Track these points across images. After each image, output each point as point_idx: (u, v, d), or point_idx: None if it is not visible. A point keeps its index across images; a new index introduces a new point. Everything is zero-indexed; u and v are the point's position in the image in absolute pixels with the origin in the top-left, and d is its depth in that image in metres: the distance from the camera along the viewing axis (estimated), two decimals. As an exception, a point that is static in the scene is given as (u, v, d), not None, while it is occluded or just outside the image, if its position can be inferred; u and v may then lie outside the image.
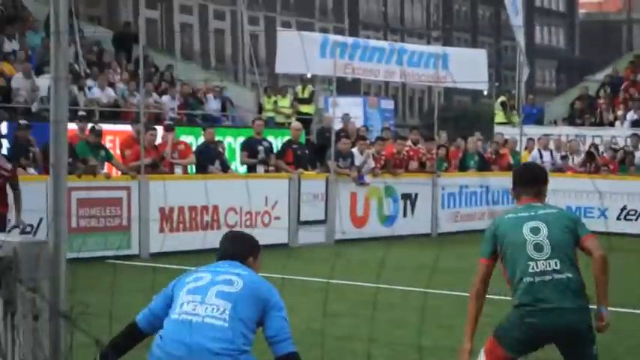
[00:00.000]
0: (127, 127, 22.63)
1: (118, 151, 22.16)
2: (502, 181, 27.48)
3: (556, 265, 7.75)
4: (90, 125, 21.29)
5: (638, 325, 12.96)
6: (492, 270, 7.94)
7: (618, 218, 26.93)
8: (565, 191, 27.35)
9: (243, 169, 24.07)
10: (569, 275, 7.72)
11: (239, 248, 7.10)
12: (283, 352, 6.56)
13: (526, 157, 29.29)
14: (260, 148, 23.35)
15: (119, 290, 14.18)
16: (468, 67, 30.77)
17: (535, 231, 7.87)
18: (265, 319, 6.61)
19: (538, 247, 7.82)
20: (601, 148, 30.47)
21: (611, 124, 33.75)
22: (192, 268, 6.98)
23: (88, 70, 29.11)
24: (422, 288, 13.96)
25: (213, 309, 6.47)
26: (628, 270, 17.31)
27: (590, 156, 29.40)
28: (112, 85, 28.71)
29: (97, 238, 18.62)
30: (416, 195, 25.18)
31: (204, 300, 6.52)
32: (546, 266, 7.77)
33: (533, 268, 7.75)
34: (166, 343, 6.40)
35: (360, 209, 23.98)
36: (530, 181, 8.39)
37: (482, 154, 28.47)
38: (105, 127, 22.67)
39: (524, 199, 8.12)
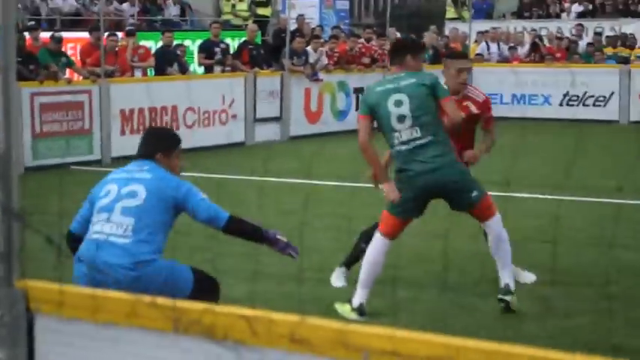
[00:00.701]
0: (87, 35, 22.44)
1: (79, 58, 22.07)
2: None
3: (417, 133, 8.41)
4: (50, 33, 21.22)
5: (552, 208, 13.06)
6: (372, 122, 8.62)
7: (561, 104, 27.16)
8: (513, 80, 27.55)
9: (201, 70, 24.05)
10: (430, 138, 8.38)
11: (149, 146, 6.97)
12: (223, 223, 6.62)
13: (474, 50, 29.44)
14: (217, 49, 23.32)
15: (76, 196, 14.30)
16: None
17: (398, 104, 8.48)
18: (188, 211, 6.64)
19: (401, 119, 8.47)
20: (546, 40, 30.60)
21: (558, 16, 33.85)
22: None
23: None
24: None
25: (117, 227, 6.48)
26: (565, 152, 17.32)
27: (534, 46, 29.55)
28: (73, -7, 28.53)
29: (60, 143, 18.52)
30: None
31: (109, 218, 6.52)
32: (409, 135, 8.43)
33: (398, 139, 8.48)
34: (81, 263, 6.49)
35: (314, 105, 24.06)
36: (396, 50, 9.10)
37: (437, 48, 28.52)
38: (66, 35, 22.55)
39: (393, 69, 8.86)
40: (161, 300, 3.25)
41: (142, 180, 6.67)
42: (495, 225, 8.70)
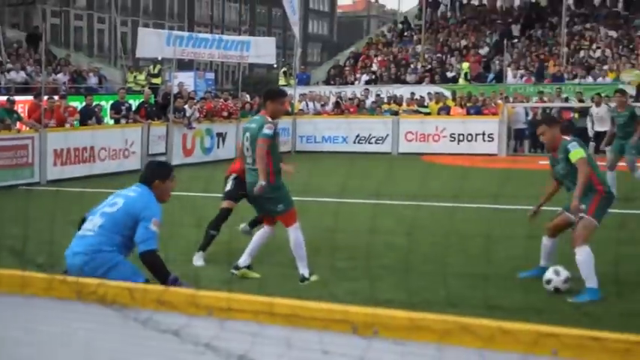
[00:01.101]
0: (32, 98, 21.75)
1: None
2: (283, 121, 27.79)
3: (250, 159, 8.52)
4: (6, 97, 20.62)
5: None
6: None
7: (354, 142, 27.52)
8: (322, 127, 27.87)
9: (112, 122, 23.59)
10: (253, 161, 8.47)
11: (147, 174, 6.43)
12: (142, 250, 5.99)
13: (298, 106, 29.64)
14: (123, 107, 22.96)
15: (22, 202, 14.04)
16: (263, 49, 31.21)
17: (245, 138, 8.60)
18: (135, 229, 6.04)
19: (247, 149, 8.56)
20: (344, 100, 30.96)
21: (352, 83, 34.30)
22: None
23: (8, 60, 28.15)
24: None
25: (91, 225, 6.09)
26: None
27: (337, 104, 29.90)
28: (24, 68, 27.82)
29: (11, 172, 17.93)
30: (226, 133, 25.13)
31: (92, 219, 6.16)
32: (249, 160, 8.54)
33: (247, 163, 8.67)
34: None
35: (189, 144, 23.86)
36: (262, 98, 9.24)
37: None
38: (17, 98, 21.98)
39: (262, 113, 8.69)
40: (69, 278, 3.21)
41: (126, 196, 6.24)
42: (297, 236, 8.66)
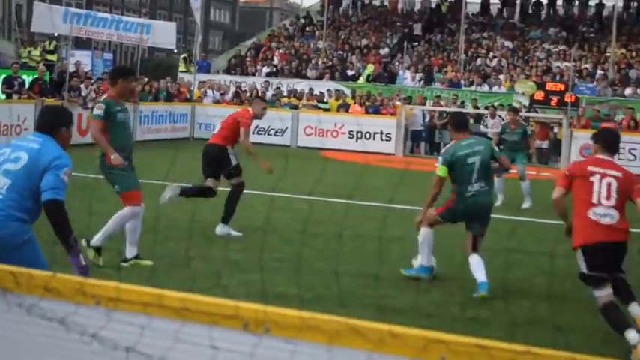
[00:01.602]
0: None
1: None
2: (182, 108, 27.60)
3: None
4: None
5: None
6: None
7: (253, 133, 27.32)
8: (222, 115, 27.58)
9: (4, 96, 22.85)
10: None
11: (47, 122, 5.65)
12: (46, 199, 5.28)
13: (197, 94, 29.40)
14: (15, 82, 22.31)
15: None
16: (162, 33, 31.10)
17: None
18: (43, 177, 5.33)
19: None
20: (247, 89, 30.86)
21: (253, 74, 34.17)
22: None
23: None
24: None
25: None
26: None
27: (237, 94, 29.78)
28: None
29: None
30: (123, 116, 24.62)
31: None
32: None
33: None
34: None
35: (84, 124, 23.31)
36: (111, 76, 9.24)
37: (169, 91, 28.24)
38: None
39: None
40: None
41: (29, 149, 5.43)
42: (124, 212, 8.69)
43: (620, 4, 37.02)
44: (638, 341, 6.29)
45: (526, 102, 27.93)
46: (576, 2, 39.36)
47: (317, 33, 38.29)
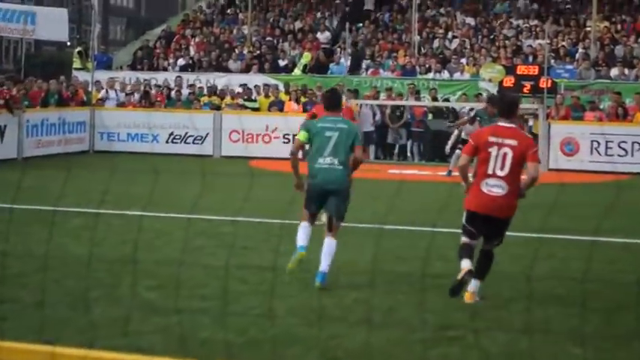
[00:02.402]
0: None
1: None
2: (78, 114, 27.35)
3: None
4: None
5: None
6: None
7: (167, 142, 27.33)
8: (128, 121, 27.56)
9: None
10: None
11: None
12: None
13: (97, 96, 29.17)
14: None
15: None
16: (51, 23, 30.88)
17: None
18: None
19: None
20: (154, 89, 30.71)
21: (165, 69, 34.02)
22: None
23: None
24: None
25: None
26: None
27: (146, 94, 29.63)
28: None
29: None
30: (5, 126, 24.23)
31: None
32: None
33: None
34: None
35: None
36: None
37: (62, 93, 27.95)
38: None
39: None
40: None
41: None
42: None
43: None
44: (466, 266, 9.00)
45: (494, 90, 28.27)
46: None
47: (241, 16, 38.28)
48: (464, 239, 9.33)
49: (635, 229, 14.19)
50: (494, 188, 8.96)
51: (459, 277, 8.99)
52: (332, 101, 10.75)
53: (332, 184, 10.06)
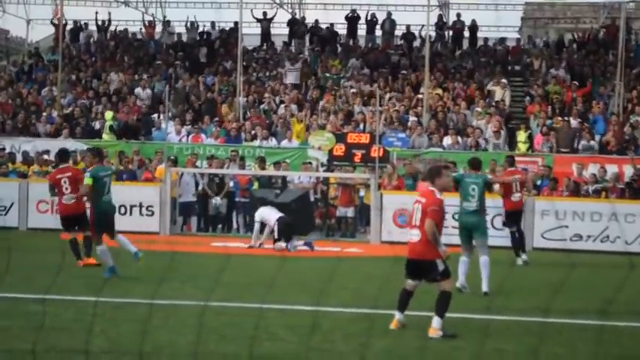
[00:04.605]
0: None
1: None
2: None
3: None
4: None
5: None
6: None
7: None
8: None
9: None
10: None
11: None
12: None
13: None
14: None
15: None
16: None
17: None
18: None
19: None
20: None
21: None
22: None
23: None
24: None
25: None
26: None
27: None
28: None
29: None
30: None
31: None
32: None
33: None
34: None
35: None
36: None
37: None
38: None
39: None
40: None
41: None
42: None
43: (433, 33, 39.13)
44: (397, 319, 11.75)
45: (323, 158, 28.66)
46: (381, 31, 41.16)
47: (50, 76, 37.75)
48: (405, 283, 11.93)
49: (469, 304, 14.58)
50: (412, 237, 11.84)
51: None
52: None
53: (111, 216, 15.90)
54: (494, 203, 20.85)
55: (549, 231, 24.91)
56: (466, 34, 41.02)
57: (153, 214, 26.05)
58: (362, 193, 27.62)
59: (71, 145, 29.90)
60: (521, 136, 30.62)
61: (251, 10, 40.97)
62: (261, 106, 34.25)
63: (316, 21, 41.95)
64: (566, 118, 31.61)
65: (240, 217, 28.01)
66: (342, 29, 42.12)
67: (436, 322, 11.43)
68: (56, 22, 40.48)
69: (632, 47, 37.76)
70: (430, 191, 11.92)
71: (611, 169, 27.75)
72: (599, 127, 30.98)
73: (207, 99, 35.05)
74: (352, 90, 34.91)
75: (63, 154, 19.20)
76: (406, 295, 11.85)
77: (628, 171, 27.81)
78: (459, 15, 41.35)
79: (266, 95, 35.09)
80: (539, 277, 18.06)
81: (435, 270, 11.60)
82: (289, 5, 45.04)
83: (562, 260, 19.45)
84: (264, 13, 41.35)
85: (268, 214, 22.83)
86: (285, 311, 12.80)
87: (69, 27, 41.98)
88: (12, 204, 26.44)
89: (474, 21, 41.07)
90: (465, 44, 40.77)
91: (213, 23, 42.91)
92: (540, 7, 53.74)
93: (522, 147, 30.30)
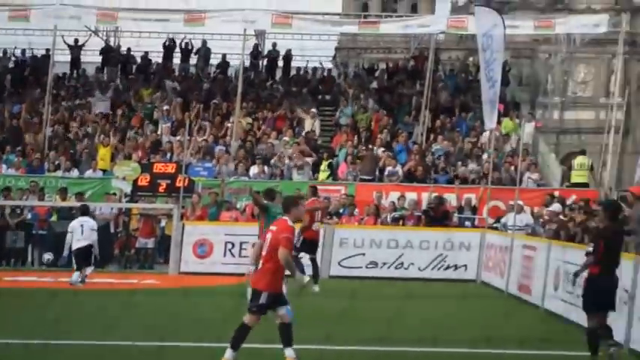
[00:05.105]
0: None
1: None
2: None
3: None
4: None
5: None
6: None
7: None
8: None
9: None
10: None
11: None
12: None
13: None
14: None
15: None
16: None
17: None
18: None
19: None
20: None
21: None
22: None
23: None
24: None
25: None
26: None
27: None
28: None
29: None
30: None
31: None
32: None
33: None
34: None
35: None
36: None
37: None
38: None
39: None
40: None
41: None
42: None
43: (248, 62, 39.52)
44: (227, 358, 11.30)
45: (127, 189, 28.60)
46: (194, 58, 41.29)
47: None
48: (248, 317, 11.70)
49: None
50: (260, 265, 12.02)
51: None
52: None
53: None
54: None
55: (346, 259, 25.53)
56: (280, 63, 41.51)
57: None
58: (163, 223, 27.68)
59: None
60: (323, 165, 31.09)
61: (62, 37, 40.46)
62: (68, 135, 33.89)
63: (128, 49, 41.78)
64: (370, 147, 32.40)
65: (37, 250, 27.47)
66: (157, 57, 42.14)
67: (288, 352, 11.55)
68: None
69: (439, 77, 38.91)
70: (283, 220, 11.88)
71: (411, 196, 28.57)
72: (402, 157, 31.72)
73: (11, 127, 34.52)
74: (162, 120, 34.84)
75: None
76: (243, 329, 11.59)
77: (426, 199, 28.69)
78: (274, 45, 41.79)
79: (73, 125, 34.72)
80: (329, 306, 18.30)
81: (257, 300, 11.55)
82: (104, 33, 44.68)
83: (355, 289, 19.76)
84: (76, 40, 40.92)
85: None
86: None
87: None
88: None
89: (288, 50, 41.58)
90: (279, 73, 41.25)
91: (23, 51, 42.24)
92: (354, 38, 54.92)
93: (322, 176, 30.74)
